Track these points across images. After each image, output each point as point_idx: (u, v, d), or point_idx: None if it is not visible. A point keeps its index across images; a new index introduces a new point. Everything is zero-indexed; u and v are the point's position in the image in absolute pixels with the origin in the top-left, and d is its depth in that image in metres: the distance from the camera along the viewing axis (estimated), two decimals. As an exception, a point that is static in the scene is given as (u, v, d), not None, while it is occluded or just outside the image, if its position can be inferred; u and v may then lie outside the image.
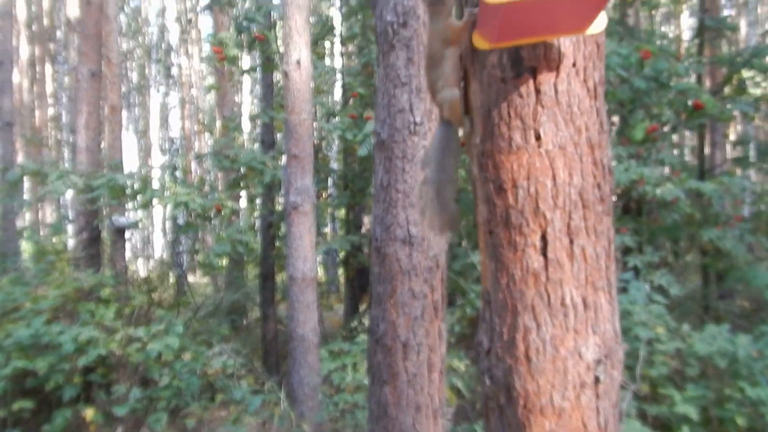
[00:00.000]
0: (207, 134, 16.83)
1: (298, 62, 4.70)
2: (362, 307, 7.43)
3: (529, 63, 1.35)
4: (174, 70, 16.86)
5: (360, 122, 6.08)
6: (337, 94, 9.30)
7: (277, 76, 7.12)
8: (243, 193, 9.18)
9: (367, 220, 8.61)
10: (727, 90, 6.01)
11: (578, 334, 1.41)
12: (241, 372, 5.09)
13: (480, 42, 1.32)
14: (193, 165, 16.64)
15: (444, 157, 1.66)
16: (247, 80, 16.25)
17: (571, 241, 1.38)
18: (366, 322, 5.64)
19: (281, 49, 5.84)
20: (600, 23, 1.24)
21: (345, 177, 7.40)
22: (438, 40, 1.46)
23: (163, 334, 5.27)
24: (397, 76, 2.79)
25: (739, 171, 7.32)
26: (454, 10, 1.49)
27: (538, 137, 1.35)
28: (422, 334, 2.83)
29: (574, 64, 1.35)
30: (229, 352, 5.07)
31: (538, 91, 1.35)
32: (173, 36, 14.98)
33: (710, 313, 6.36)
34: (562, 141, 1.36)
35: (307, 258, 4.86)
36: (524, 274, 1.41)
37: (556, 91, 1.35)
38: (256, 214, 8.05)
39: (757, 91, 7.48)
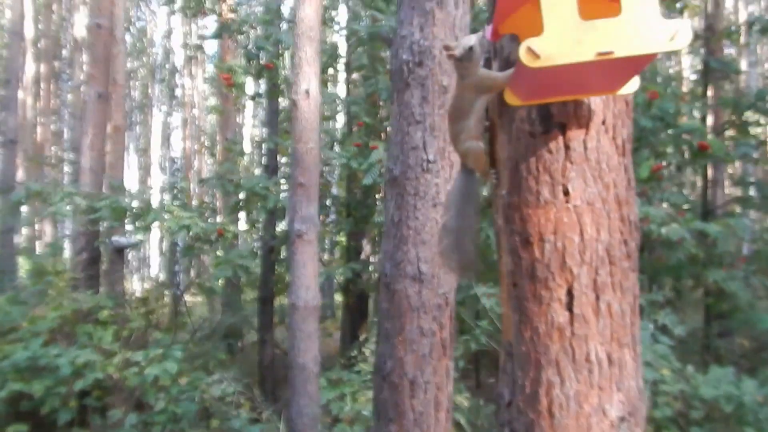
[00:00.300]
0: (208, 156, 16.87)
1: (307, 92, 4.72)
2: (362, 335, 7.39)
3: (558, 119, 1.36)
4: (177, 91, 16.96)
5: (365, 151, 6.11)
6: (340, 121, 9.34)
7: (283, 102, 7.18)
8: (241, 216, 9.19)
9: (368, 247, 8.60)
10: (729, 131, 6.07)
11: (602, 391, 1.40)
12: (239, 400, 5.03)
13: (511, 98, 1.33)
14: (192, 185, 16.65)
15: (465, 204, 1.66)
16: (249, 103, 16.35)
17: (597, 297, 1.38)
18: (366, 351, 5.60)
19: (290, 78, 5.89)
20: (632, 85, 1.26)
21: (348, 204, 7.42)
22: (468, 93, 1.47)
23: (161, 358, 5.22)
24: (411, 114, 2.80)
25: (737, 209, 7.35)
26: (482, 62, 1.50)
27: (566, 192, 1.36)
28: (430, 372, 2.80)
29: (603, 122, 1.37)
30: (229, 380, 5.01)
31: (567, 147, 1.36)
32: (178, 58, 15.07)
33: (711, 352, 6.33)
34: (590, 197, 1.36)
35: (310, 286, 4.84)
36: (549, 328, 1.40)
37: (585, 148, 1.36)
38: (255, 237, 8.04)
39: (758, 130, 7.55)
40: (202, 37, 16.30)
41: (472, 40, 1.44)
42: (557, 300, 1.40)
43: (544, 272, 1.40)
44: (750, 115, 5.81)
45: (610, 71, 1.13)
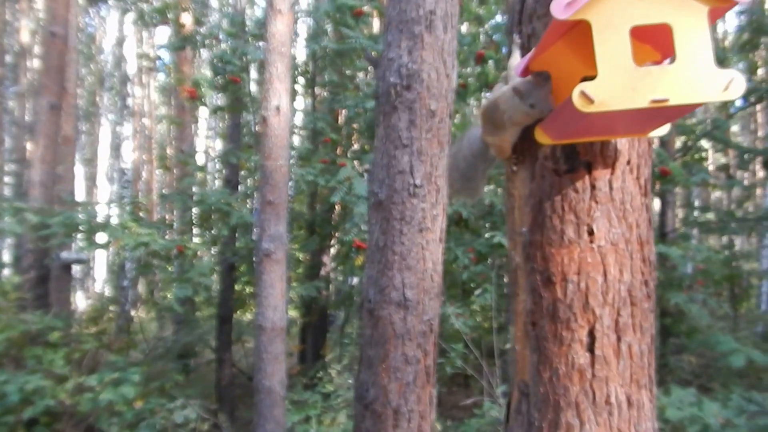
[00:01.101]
0: (159, 167, 16.41)
1: (278, 108, 4.64)
2: (324, 353, 7.27)
3: (584, 158, 1.35)
4: (129, 101, 16.46)
5: (332, 167, 6.03)
6: (297, 135, 9.22)
7: (246, 116, 7.05)
8: (197, 231, 8.94)
9: (329, 263, 8.49)
10: (685, 156, 6.29)
11: (622, 434, 1.38)
12: (203, 427, 4.84)
13: (542, 137, 1.31)
14: (141, 195, 16.13)
15: (474, 157, 1.57)
16: (204, 113, 16.03)
17: (619, 339, 1.37)
18: (332, 371, 5.49)
19: (258, 94, 5.77)
20: (665, 128, 1.25)
21: (312, 222, 7.31)
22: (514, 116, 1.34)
23: (116, 382, 4.98)
24: (398, 138, 2.77)
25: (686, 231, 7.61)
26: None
27: (591, 232, 1.34)
28: (414, 401, 2.75)
29: (628, 162, 1.36)
30: (194, 406, 4.81)
31: (593, 187, 1.34)
32: (131, 66, 14.62)
33: (664, 369, 6.50)
34: (614, 237, 1.35)
35: (278, 307, 4.72)
36: (569, 369, 1.38)
37: (610, 188, 1.34)
38: (214, 251, 7.83)
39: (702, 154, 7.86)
40: (157, 47, 15.90)
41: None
42: (578, 341, 1.37)
43: (566, 312, 1.37)
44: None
45: (650, 116, 1.12)
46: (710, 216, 8.20)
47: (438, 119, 2.78)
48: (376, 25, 7.88)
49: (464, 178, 1.65)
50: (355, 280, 8.76)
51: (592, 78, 1.31)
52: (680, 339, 6.62)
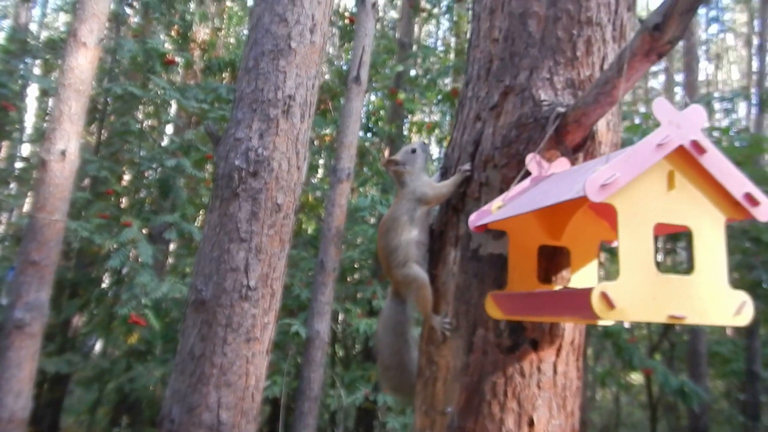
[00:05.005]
0: None
1: (63, 153, 3.87)
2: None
3: (531, 335, 1.17)
4: None
5: (112, 224, 5.17)
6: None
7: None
8: None
9: (79, 323, 7.26)
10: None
11: None
12: None
13: (493, 311, 1.11)
14: None
15: (396, 337, 1.48)
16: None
17: None
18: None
19: (28, 123, 4.81)
20: None
21: (76, 284, 6.15)
22: (407, 202, 1.43)
23: None
24: (235, 230, 2.38)
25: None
26: None
27: (531, 424, 1.15)
28: None
29: (572, 342, 1.21)
30: None
31: (539, 370, 1.16)
32: None
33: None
34: (552, 430, 1.17)
35: (22, 393, 3.77)
36: None
37: (554, 372, 1.18)
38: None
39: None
40: None
41: (414, 144, 1.49)
42: None
43: None
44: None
45: None
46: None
47: (283, 215, 2.47)
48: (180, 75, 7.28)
49: (398, 370, 1.48)
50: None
51: (551, 247, 1.16)
52: None
